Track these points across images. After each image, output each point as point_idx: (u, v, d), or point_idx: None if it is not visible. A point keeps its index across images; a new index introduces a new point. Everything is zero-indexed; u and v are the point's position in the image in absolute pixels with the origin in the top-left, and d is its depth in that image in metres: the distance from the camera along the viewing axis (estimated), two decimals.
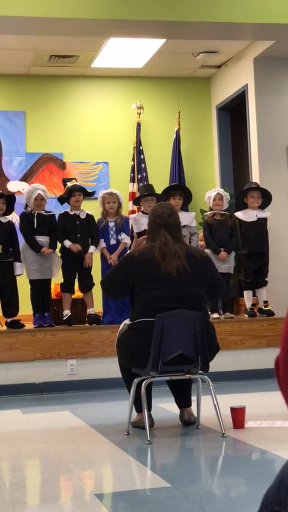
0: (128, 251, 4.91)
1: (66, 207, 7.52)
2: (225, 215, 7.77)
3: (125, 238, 7.43)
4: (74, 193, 7.38)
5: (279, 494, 1.40)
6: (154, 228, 4.57)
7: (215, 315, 7.40)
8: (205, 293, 4.57)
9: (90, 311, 7.37)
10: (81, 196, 7.40)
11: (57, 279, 7.53)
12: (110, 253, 7.37)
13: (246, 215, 7.70)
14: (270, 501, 1.41)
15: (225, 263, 7.55)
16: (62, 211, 7.47)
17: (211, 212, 7.78)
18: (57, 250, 7.34)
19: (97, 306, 7.40)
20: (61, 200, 7.52)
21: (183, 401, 4.81)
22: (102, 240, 7.41)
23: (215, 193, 7.78)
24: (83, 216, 7.38)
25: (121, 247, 7.40)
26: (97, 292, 6.90)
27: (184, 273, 4.42)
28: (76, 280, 7.41)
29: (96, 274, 7.35)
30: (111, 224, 7.46)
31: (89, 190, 7.61)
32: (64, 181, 7.83)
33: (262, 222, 7.70)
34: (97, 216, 7.50)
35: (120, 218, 7.50)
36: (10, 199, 7.29)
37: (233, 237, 7.70)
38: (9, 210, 7.27)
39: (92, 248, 7.31)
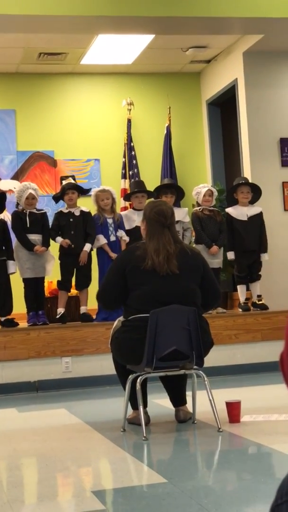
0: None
1: (60, 206, 7.51)
2: (213, 211, 7.79)
3: (124, 236, 7.43)
4: (67, 191, 7.38)
5: None
6: (155, 227, 4.49)
7: None
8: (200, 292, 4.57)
9: (82, 309, 7.36)
10: (75, 194, 7.39)
11: (50, 277, 7.53)
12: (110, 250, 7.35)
13: (237, 212, 7.68)
14: (285, 491, 1.41)
15: (216, 258, 7.58)
16: (57, 210, 7.47)
17: (199, 207, 7.79)
18: (52, 248, 7.33)
19: (92, 303, 7.39)
20: (56, 198, 7.52)
21: (178, 399, 4.79)
22: (102, 236, 7.37)
23: (205, 189, 7.79)
24: (77, 213, 7.37)
25: (122, 245, 7.37)
26: (92, 289, 6.89)
27: (179, 270, 4.41)
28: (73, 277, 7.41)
29: (93, 271, 7.35)
30: (110, 221, 7.44)
31: (84, 188, 7.60)
32: (61, 179, 7.83)
33: (254, 219, 7.68)
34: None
35: (117, 215, 7.50)
36: (1, 198, 7.28)
37: (222, 232, 7.71)
38: (1, 208, 7.26)
39: (87, 246, 7.29)
